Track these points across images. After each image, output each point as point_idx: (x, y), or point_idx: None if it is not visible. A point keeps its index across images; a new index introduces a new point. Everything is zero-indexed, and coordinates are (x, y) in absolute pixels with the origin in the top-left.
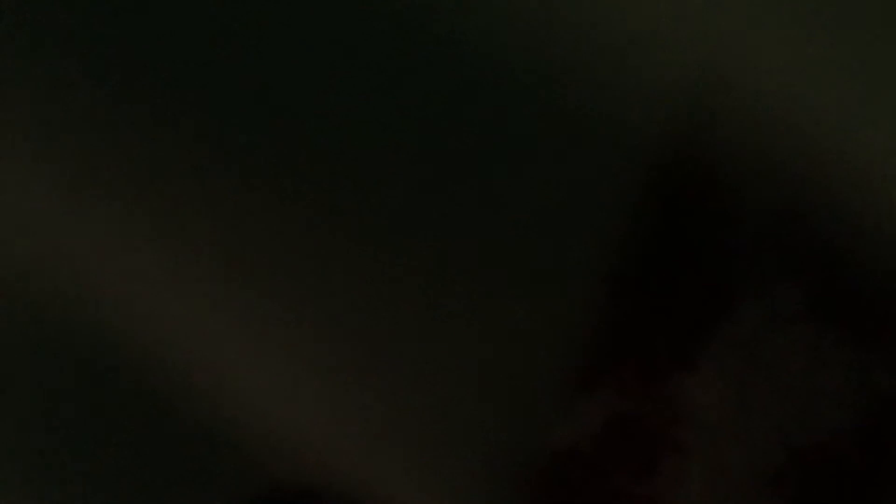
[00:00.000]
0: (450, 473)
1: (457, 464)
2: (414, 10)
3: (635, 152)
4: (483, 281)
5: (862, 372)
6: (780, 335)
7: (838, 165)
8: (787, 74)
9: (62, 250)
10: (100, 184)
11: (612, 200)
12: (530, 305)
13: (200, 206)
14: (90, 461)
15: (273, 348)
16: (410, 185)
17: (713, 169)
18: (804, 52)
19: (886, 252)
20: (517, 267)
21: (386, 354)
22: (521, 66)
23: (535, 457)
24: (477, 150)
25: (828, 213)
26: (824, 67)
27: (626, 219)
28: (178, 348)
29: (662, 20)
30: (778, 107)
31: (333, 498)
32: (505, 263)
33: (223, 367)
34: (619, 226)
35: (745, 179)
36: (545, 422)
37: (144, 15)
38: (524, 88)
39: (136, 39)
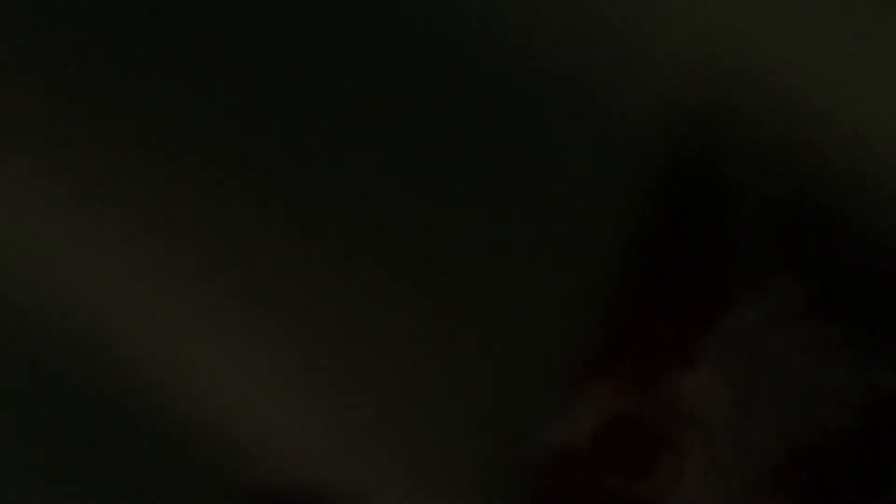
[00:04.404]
0: (447, 473)
1: (454, 463)
2: (416, 8)
3: (636, 150)
4: (480, 280)
5: (862, 370)
6: (780, 333)
7: (841, 163)
8: (790, 71)
9: (53, 253)
10: (90, 187)
11: (613, 198)
12: (528, 304)
13: (195, 205)
14: (78, 464)
15: (267, 347)
16: (409, 182)
17: (714, 166)
18: (807, 48)
19: (888, 250)
20: (515, 266)
21: (383, 353)
22: (526, 63)
23: (532, 456)
24: (476, 148)
25: (829, 210)
26: (827, 64)
27: (625, 216)
28: (169, 349)
29: (665, 16)
30: (780, 103)
31: (331, 498)
32: (502, 262)
33: (218, 368)
34: (618, 223)
35: (746, 176)
36: (543, 420)
37: (136, 14)
38: (525, 85)
39: (125, 38)
